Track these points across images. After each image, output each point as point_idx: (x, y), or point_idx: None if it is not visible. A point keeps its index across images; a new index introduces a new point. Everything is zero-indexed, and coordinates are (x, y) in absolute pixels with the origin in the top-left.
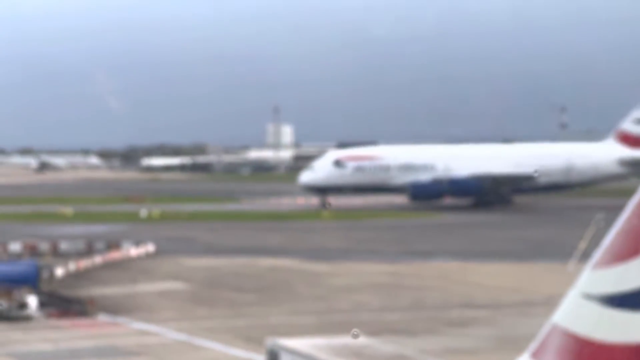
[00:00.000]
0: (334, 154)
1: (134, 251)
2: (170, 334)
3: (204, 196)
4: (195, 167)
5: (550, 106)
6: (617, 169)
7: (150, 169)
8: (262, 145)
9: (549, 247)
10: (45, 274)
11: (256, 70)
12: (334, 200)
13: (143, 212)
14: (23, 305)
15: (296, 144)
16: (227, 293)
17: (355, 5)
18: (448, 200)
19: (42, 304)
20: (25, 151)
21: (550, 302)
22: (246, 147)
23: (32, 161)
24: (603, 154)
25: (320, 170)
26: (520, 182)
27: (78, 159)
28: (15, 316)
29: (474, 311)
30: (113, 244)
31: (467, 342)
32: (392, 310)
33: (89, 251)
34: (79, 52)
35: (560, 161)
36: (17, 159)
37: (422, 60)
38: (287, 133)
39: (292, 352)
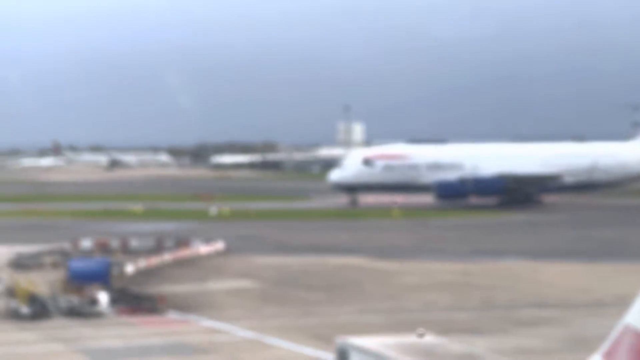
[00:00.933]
0: (362, 152)
1: (203, 249)
2: (240, 332)
3: (274, 194)
4: (265, 165)
5: (622, 104)
6: None
7: (220, 166)
8: (332, 143)
9: (617, 247)
10: (115, 271)
11: (327, 69)
12: (362, 199)
13: (213, 209)
14: (94, 302)
15: (367, 142)
16: (296, 291)
17: (420, 5)
18: (474, 200)
19: (113, 301)
20: (96, 148)
21: (621, 303)
22: (317, 145)
23: (102, 159)
24: (631, 153)
25: (349, 169)
26: (546, 182)
27: (148, 157)
28: (86, 312)
29: (545, 311)
30: (183, 242)
31: (537, 342)
32: (462, 310)
33: (159, 248)
34: (150, 49)
35: (587, 161)
36: (88, 157)
37: (492, 58)
38: (357, 131)
39: (361, 350)
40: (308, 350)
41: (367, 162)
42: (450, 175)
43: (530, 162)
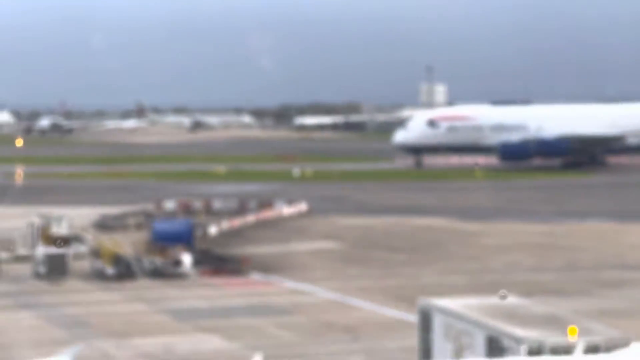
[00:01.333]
0: (427, 113)
1: (286, 210)
2: (323, 293)
3: (357, 155)
4: (348, 126)
5: None
6: None
7: (303, 127)
8: (415, 104)
9: None
10: (199, 232)
11: (411, 30)
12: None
13: (296, 171)
14: (178, 263)
15: (450, 104)
16: (379, 253)
17: None
18: (537, 161)
19: (196, 262)
20: (179, 110)
21: None
22: (399, 106)
23: (185, 120)
24: None
25: (413, 130)
26: (610, 143)
27: (231, 118)
28: (170, 273)
29: (629, 273)
30: (266, 203)
31: (621, 304)
32: (545, 271)
33: (242, 210)
34: (233, 10)
35: None
36: (171, 118)
37: (575, 20)
38: (440, 92)
39: (444, 311)
40: (391, 312)
41: (432, 123)
42: (514, 137)
43: (595, 123)
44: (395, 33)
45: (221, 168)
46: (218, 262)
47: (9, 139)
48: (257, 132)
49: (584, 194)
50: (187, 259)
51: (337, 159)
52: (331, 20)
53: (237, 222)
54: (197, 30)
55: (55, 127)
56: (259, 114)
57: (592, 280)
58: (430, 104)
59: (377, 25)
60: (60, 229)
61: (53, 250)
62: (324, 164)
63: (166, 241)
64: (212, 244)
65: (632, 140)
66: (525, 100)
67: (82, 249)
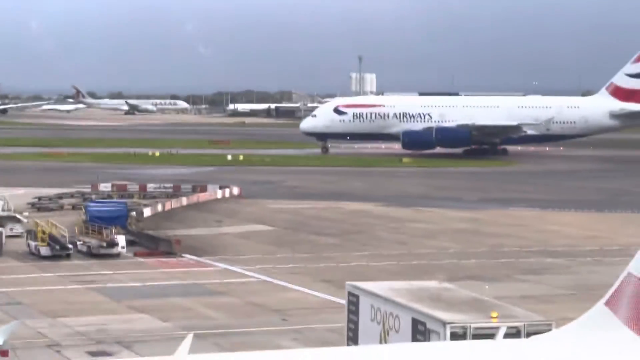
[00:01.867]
0: (335, 101)
1: (219, 193)
2: (254, 274)
3: (289, 141)
4: (280, 113)
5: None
6: (608, 122)
7: (237, 114)
8: (346, 94)
9: (626, 198)
10: (133, 214)
11: (342, 20)
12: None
13: (228, 156)
14: (112, 244)
15: (379, 93)
16: (309, 236)
17: None
18: (440, 150)
19: (131, 243)
20: (116, 95)
21: (626, 252)
22: (331, 95)
23: (122, 104)
24: (594, 106)
25: (321, 117)
26: (507, 132)
27: (167, 104)
28: (104, 254)
29: (551, 259)
30: (199, 187)
31: (543, 290)
32: (470, 256)
33: (176, 193)
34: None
35: (549, 113)
36: (108, 102)
37: (508, 13)
38: (369, 81)
39: (371, 294)
40: (319, 294)
41: (338, 111)
42: (418, 125)
43: (495, 113)
44: (328, 24)
45: (156, 152)
46: (151, 243)
47: None
48: (192, 117)
49: (511, 182)
50: (121, 240)
51: (270, 144)
52: (265, 9)
53: (171, 204)
54: (135, 18)
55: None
56: (194, 100)
57: (515, 266)
58: (360, 93)
59: (312, 16)
60: None
61: None
62: (257, 150)
63: (101, 222)
64: (146, 225)
65: (529, 131)
66: (454, 93)
67: (18, 229)
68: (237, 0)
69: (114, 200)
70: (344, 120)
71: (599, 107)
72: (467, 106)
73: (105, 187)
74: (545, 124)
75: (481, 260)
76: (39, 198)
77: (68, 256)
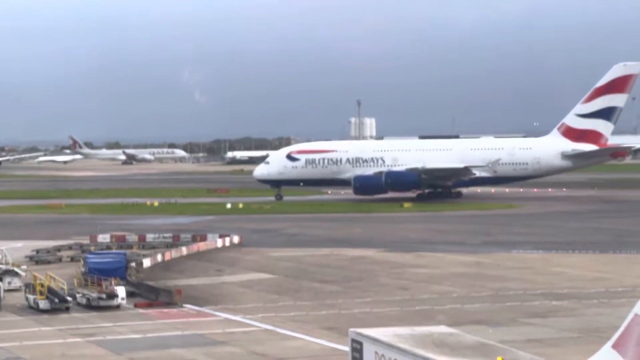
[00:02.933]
0: (288, 148)
1: (219, 242)
2: (256, 323)
3: (288, 188)
4: None
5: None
6: (559, 162)
7: (235, 161)
8: (346, 138)
9: (630, 238)
10: (133, 265)
11: (340, 65)
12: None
13: (228, 204)
14: (112, 295)
15: (378, 137)
16: (311, 284)
17: None
18: (393, 194)
19: (130, 294)
20: (113, 145)
21: (632, 293)
22: (329, 140)
23: (119, 154)
24: (546, 147)
25: (274, 164)
26: (457, 176)
27: (164, 152)
28: (104, 306)
29: (556, 302)
30: (199, 236)
31: (549, 333)
32: (474, 301)
33: (176, 243)
34: (165, 48)
35: (499, 155)
36: (105, 152)
37: (505, 50)
38: (369, 126)
39: (375, 341)
40: (323, 342)
41: (291, 157)
42: (371, 170)
43: (447, 156)
44: (325, 69)
45: (155, 202)
46: (152, 294)
47: None
48: (190, 166)
49: (514, 225)
50: (121, 291)
51: (268, 191)
52: (262, 57)
53: (171, 254)
54: (130, 67)
55: None
56: (192, 148)
57: (520, 310)
58: (359, 138)
59: (309, 63)
60: None
61: None
62: (256, 197)
63: (100, 274)
64: (146, 276)
65: (481, 173)
66: (454, 135)
67: (16, 282)
68: (233, 46)
69: (113, 251)
70: (296, 167)
71: (550, 148)
72: (420, 150)
73: (103, 238)
74: (492, 166)
75: (485, 304)
76: (37, 251)
77: (67, 309)
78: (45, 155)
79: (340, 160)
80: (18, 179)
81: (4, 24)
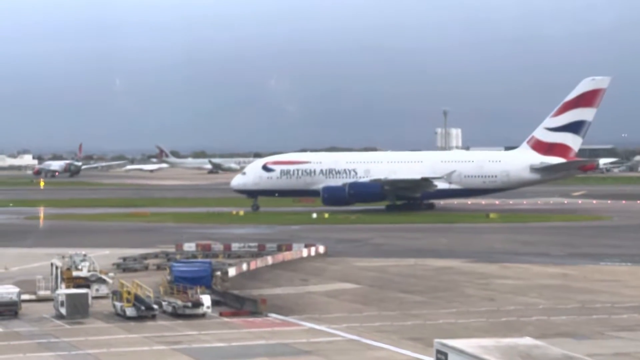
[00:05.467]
0: (264, 159)
1: (304, 252)
2: (340, 333)
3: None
4: None
5: None
6: (528, 175)
7: None
8: (431, 148)
9: None
10: (218, 274)
11: (425, 73)
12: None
13: (314, 213)
14: (197, 304)
15: (464, 148)
16: (395, 294)
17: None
18: (362, 205)
19: (216, 303)
20: (199, 154)
21: None
22: (417, 150)
23: (205, 163)
24: (515, 160)
25: (250, 175)
26: (420, 187)
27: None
28: (190, 314)
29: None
30: (284, 245)
31: (637, 347)
32: (561, 313)
33: (261, 252)
34: (255, 55)
35: (472, 167)
36: (191, 161)
37: (593, 60)
38: (455, 136)
39: (460, 352)
40: (407, 352)
41: (267, 168)
42: (337, 182)
43: (418, 168)
44: (413, 80)
45: (241, 211)
46: (237, 303)
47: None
48: None
49: (601, 236)
50: (206, 300)
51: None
52: (349, 63)
53: (256, 263)
54: (215, 75)
55: (67, 169)
56: None
57: (607, 323)
58: (446, 148)
59: (395, 75)
60: (81, 271)
61: (74, 291)
62: (342, 207)
63: (186, 282)
64: (231, 285)
65: (440, 185)
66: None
67: (103, 289)
68: (321, 57)
69: (199, 260)
70: (271, 177)
71: (519, 161)
72: (391, 162)
73: (189, 246)
74: (447, 178)
75: (572, 316)
76: (124, 259)
77: (153, 317)
78: (132, 163)
79: (314, 171)
80: (105, 187)
81: (92, 44)
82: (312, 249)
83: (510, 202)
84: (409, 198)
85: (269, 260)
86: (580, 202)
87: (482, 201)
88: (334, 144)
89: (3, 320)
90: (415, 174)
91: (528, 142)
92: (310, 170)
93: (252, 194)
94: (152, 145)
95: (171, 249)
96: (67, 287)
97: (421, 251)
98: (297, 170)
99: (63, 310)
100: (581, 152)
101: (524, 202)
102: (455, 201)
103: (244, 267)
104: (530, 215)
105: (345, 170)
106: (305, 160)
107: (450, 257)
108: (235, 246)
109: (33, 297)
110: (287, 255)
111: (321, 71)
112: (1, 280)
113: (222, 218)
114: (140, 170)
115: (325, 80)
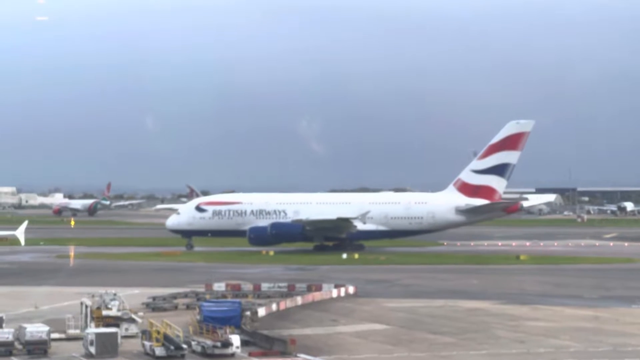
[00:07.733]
0: (197, 199)
1: (334, 292)
2: None
3: (405, 239)
4: None
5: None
6: (453, 217)
7: None
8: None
9: None
10: (248, 314)
11: (449, 112)
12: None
13: (344, 254)
14: (227, 344)
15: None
16: (425, 335)
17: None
18: (289, 245)
19: (245, 343)
20: (230, 192)
21: None
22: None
23: None
24: (441, 202)
25: (184, 215)
26: (341, 228)
27: None
28: (219, 354)
29: None
30: (314, 285)
31: None
32: (592, 356)
33: (291, 292)
34: (284, 95)
35: (398, 208)
36: None
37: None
38: None
39: None
40: None
41: (200, 208)
42: (263, 222)
43: (346, 209)
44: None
45: (270, 250)
46: (266, 343)
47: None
48: None
49: (634, 279)
50: (235, 339)
51: (385, 242)
52: (382, 104)
53: (286, 303)
54: (246, 114)
55: (94, 208)
56: None
57: None
58: None
59: (422, 111)
60: (111, 310)
61: (104, 330)
62: (372, 248)
63: (215, 322)
64: (260, 325)
65: (367, 226)
66: (569, 188)
67: (133, 329)
68: (349, 96)
69: (228, 300)
70: (204, 218)
71: (445, 202)
72: (320, 203)
73: (219, 286)
74: (362, 218)
75: (604, 359)
76: (154, 298)
77: (182, 357)
78: (162, 203)
79: (245, 212)
80: (136, 226)
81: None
82: (342, 290)
83: (541, 244)
84: (335, 239)
85: (299, 300)
86: (611, 244)
87: (513, 242)
88: (365, 184)
89: (33, 358)
90: (333, 215)
91: (454, 184)
92: (241, 210)
93: (186, 234)
94: (183, 184)
95: (201, 289)
96: (97, 326)
97: (451, 292)
98: (229, 210)
99: (92, 349)
100: (612, 193)
101: (555, 244)
102: (485, 242)
103: (274, 307)
104: (561, 257)
105: (275, 211)
106: (236, 201)
107: (480, 298)
108: (265, 286)
109: (63, 335)
110: (316, 296)
111: (353, 113)
112: (31, 318)
113: (253, 258)
114: (171, 209)
115: (357, 121)
